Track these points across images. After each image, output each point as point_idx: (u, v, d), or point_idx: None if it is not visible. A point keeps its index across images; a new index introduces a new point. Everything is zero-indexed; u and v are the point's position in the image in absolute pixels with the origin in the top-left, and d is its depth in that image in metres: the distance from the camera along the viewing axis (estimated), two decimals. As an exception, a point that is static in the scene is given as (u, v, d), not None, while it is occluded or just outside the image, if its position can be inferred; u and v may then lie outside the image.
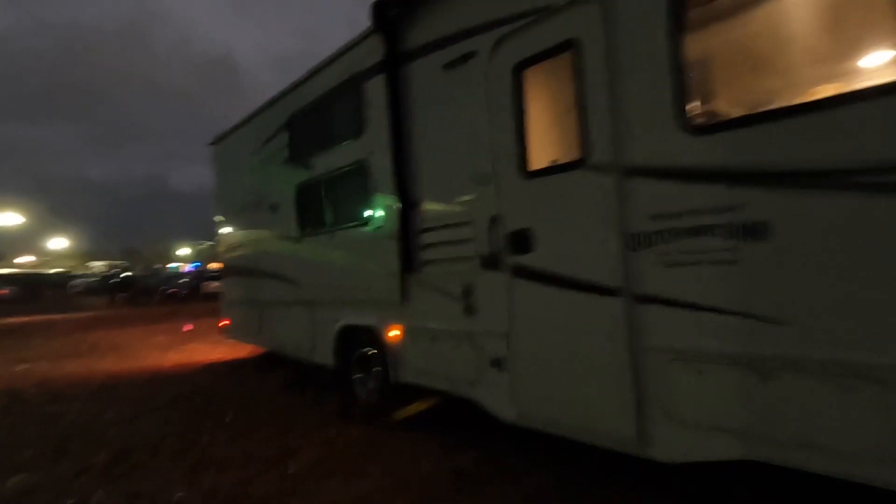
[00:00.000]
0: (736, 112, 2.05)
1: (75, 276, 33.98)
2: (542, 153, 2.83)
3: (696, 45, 2.16)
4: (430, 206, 3.47)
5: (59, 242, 51.01)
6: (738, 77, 2.34)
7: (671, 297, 2.23)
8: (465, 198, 3.16)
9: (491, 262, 3.02)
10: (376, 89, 3.80)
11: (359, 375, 4.40)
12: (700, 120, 2.13)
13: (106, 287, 28.35)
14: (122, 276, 28.73)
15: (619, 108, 2.37)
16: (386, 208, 3.80)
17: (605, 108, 2.42)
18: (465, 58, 3.12)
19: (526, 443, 3.20)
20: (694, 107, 2.15)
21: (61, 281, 27.42)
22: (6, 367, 7.54)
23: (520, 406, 2.90)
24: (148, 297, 25.46)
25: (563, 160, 2.69)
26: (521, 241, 2.82)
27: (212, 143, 6.84)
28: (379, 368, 4.14)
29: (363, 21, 3.83)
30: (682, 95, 2.15)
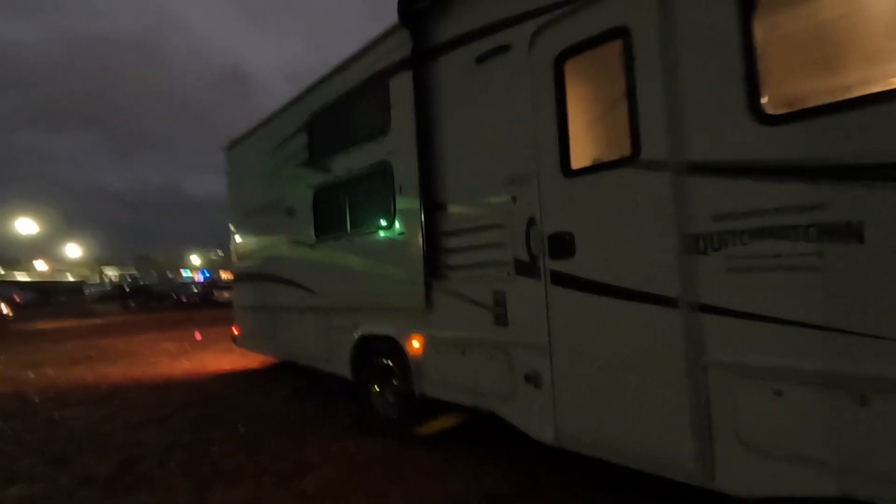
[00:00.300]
0: (819, 99, 1.83)
1: (89, 285, 34.28)
2: (585, 150, 2.62)
3: (770, 24, 1.95)
4: (458, 209, 3.27)
5: (73, 250, 51.61)
6: (821, 59, 2.12)
7: (739, 308, 1.99)
8: (498, 199, 2.95)
9: (526, 268, 2.80)
10: (401, 86, 3.63)
11: (377, 387, 4.18)
12: (776, 108, 1.91)
13: (118, 294, 28.55)
14: (133, 284, 28.91)
15: (676, 99, 2.15)
16: (409, 211, 3.60)
17: (659, 99, 2.21)
18: (500, 50, 2.94)
19: (564, 463, 2.94)
20: (769, 94, 1.93)
21: (75, 288, 27.70)
22: (14, 371, 7.42)
23: (559, 426, 2.65)
24: (159, 304, 25.51)
25: (609, 157, 2.47)
26: (561, 245, 2.60)
27: (226, 148, 6.73)
28: (399, 380, 3.91)
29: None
30: (754, 81, 1.93)
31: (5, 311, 14.33)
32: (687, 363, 2.13)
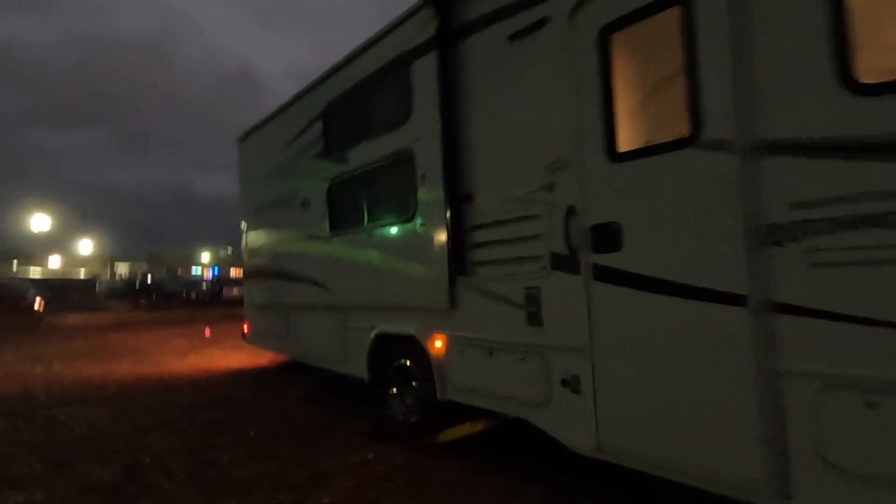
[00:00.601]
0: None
1: (101, 282, 34.49)
2: (634, 132, 2.37)
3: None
4: (488, 199, 3.03)
5: (85, 245, 52.03)
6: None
7: (822, 308, 1.73)
8: (534, 187, 2.71)
9: (565, 263, 2.56)
10: (425, 70, 3.39)
11: (395, 390, 3.95)
12: (872, 77, 1.65)
13: (129, 291, 28.61)
14: (144, 280, 29.01)
15: (747, 70, 1.90)
16: (432, 202, 3.37)
17: (726, 71, 1.95)
18: (537, 25, 2.69)
19: (605, 477, 2.68)
20: (863, 60, 1.66)
21: (87, 285, 27.83)
22: (19, 367, 7.29)
23: (601, 436, 2.40)
24: (170, 301, 25.52)
25: (663, 139, 2.21)
26: (606, 237, 2.35)
27: (238, 141, 6.54)
28: (419, 383, 3.68)
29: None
30: (845, 45, 1.67)
31: (37, 306, 14.70)
32: (758, 370, 1.88)
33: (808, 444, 1.77)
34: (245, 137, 6.35)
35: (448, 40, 3.23)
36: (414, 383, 3.77)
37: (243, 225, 6.53)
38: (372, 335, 4.00)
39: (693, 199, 2.06)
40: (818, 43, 1.72)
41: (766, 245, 1.86)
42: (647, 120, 2.44)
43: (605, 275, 2.37)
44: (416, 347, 3.60)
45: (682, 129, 2.11)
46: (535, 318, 2.75)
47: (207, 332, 11.30)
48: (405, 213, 3.64)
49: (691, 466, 2.09)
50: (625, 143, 2.34)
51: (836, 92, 1.68)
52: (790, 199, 1.80)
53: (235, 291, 22.74)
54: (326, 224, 4.58)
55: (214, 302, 24.57)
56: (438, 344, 3.40)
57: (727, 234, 1.95)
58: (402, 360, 3.82)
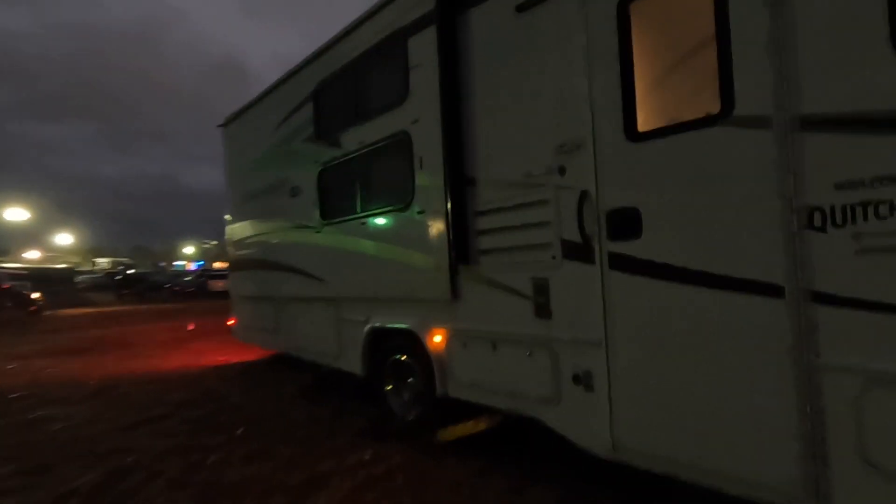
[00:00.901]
0: None
1: (80, 272, 33.61)
2: (655, 109, 2.21)
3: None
4: (492, 183, 2.85)
5: (64, 238, 50.74)
6: None
7: (868, 298, 1.59)
8: (543, 170, 2.53)
9: (577, 251, 2.39)
10: (424, 45, 3.18)
11: (392, 386, 3.79)
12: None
13: (111, 283, 27.97)
14: (126, 272, 28.37)
15: (785, 38, 1.74)
16: (431, 188, 3.18)
17: (761, 40, 1.79)
18: (548, -5, 2.50)
19: (620, 478, 2.55)
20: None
21: (66, 276, 26.88)
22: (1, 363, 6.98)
23: (617, 436, 2.26)
24: (153, 293, 25.03)
25: (688, 116, 2.04)
26: (623, 223, 2.19)
27: (222, 125, 6.26)
28: (417, 378, 3.52)
29: None
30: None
31: (35, 295, 14.75)
32: (795, 365, 1.74)
33: (850, 443, 1.64)
34: (230, 122, 6.07)
35: (448, 13, 3.02)
36: (411, 379, 3.61)
37: (229, 214, 6.27)
38: (367, 328, 3.82)
39: (723, 182, 1.90)
40: (870, 4, 1.56)
41: (805, 230, 1.71)
42: (670, 96, 2.28)
43: (622, 264, 2.22)
44: (414, 341, 3.43)
45: (710, 104, 1.94)
46: (543, 310, 2.59)
47: (191, 325, 11.00)
48: (402, 200, 3.44)
49: (717, 468, 1.96)
50: (645, 121, 2.17)
51: (891, 59, 1.53)
52: (834, 180, 1.65)
53: (220, 284, 22.29)
54: (317, 212, 4.37)
55: (199, 294, 24.10)
56: (438, 338, 3.24)
57: (762, 218, 1.80)
58: (399, 355, 3.65)
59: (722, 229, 1.91)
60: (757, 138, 1.81)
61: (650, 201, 2.12)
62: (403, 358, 3.63)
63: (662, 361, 2.10)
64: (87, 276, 33.09)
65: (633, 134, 2.17)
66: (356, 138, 3.84)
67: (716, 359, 1.94)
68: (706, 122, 1.96)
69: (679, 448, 2.07)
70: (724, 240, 1.91)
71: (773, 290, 1.78)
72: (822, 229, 1.68)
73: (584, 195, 2.34)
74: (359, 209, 3.93)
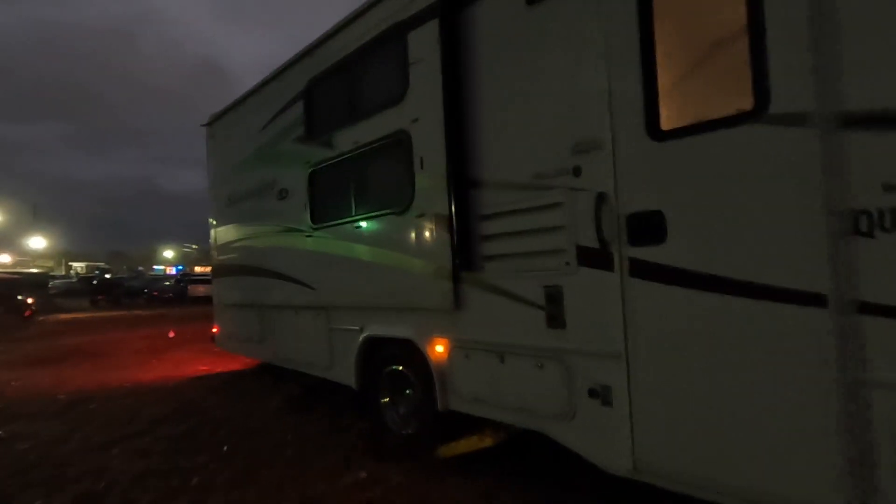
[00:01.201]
0: None
1: (54, 277, 32.50)
2: (681, 106, 2.07)
3: None
4: (499, 186, 2.70)
5: (38, 242, 49.09)
6: None
7: (923, 308, 1.47)
8: (556, 171, 2.38)
9: (594, 257, 2.25)
10: (424, 40, 3.02)
11: (387, 399, 3.59)
12: None
13: (86, 289, 27.05)
14: (102, 277, 27.51)
15: (828, 29, 1.62)
16: (432, 190, 3.01)
17: (800, 29, 1.67)
18: (561, -15, 2.36)
19: (633, 495, 2.40)
20: None
21: (41, 282, 25.84)
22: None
23: (639, 454, 2.11)
24: (131, 299, 24.29)
25: (718, 114, 1.92)
26: (646, 227, 2.06)
27: (206, 124, 6.00)
28: (416, 391, 3.33)
29: None
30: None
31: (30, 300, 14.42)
32: (840, 379, 1.61)
33: (903, 467, 1.52)
34: (214, 121, 5.82)
35: (452, 6, 2.87)
36: (409, 391, 3.42)
37: (213, 217, 6.00)
38: (361, 338, 3.62)
39: (758, 183, 1.77)
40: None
41: (851, 235, 1.59)
42: (697, 92, 2.14)
43: (644, 271, 2.08)
44: (412, 351, 3.25)
45: (743, 101, 1.82)
46: (556, 320, 2.44)
47: (171, 333, 10.60)
48: (400, 202, 3.26)
49: (750, 489, 1.82)
50: (669, 119, 2.03)
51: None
52: (882, 181, 1.53)
53: (202, 290, 21.72)
54: (308, 215, 4.16)
55: (179, 301, 23.45)
56: (440, 348, 3.06)
57: (802, 223, 1.67)
58: (396, 366, 3.46)
59: (756, 234, 1.78)
60: (795, 137, 1.69)
61: (675, 204, 1.99)
62: (400, 369, 3.44)
63: (689, 376, 1.96)
64: (61, 280, 32.01)
65: (656, 132, 2.04)
66: (350, 138, 3.66)
67: (749, 373, 1.81)
68: (737, 119, 1.83)
69: (708, 468, 1.93)
70: (758, 246, 1.78)
71: (814, 300, 1.65)
72: (870, 234, 1.56)
73: (601, 197, 2.20)
74: (353, 212, 3.73)
